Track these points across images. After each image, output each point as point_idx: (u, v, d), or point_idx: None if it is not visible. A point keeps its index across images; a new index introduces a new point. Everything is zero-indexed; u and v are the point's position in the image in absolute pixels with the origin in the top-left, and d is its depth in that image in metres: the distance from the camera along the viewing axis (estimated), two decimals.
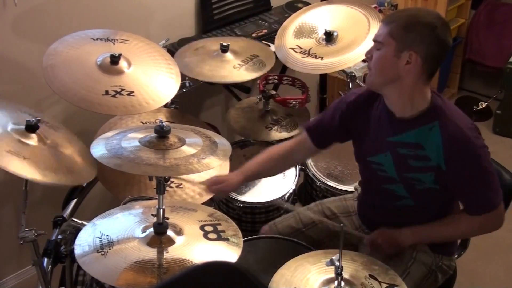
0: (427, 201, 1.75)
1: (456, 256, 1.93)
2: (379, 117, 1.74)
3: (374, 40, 1.66)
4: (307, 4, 3.01)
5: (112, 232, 1.59)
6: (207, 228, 1.63)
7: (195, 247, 1.56)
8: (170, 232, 1.59)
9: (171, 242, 1.56)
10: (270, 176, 2.16)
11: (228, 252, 1.56)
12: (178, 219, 1.66)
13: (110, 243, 1.54)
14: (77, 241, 1.56)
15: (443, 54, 1.62)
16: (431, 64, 1.61)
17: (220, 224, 1.66)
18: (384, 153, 1.72)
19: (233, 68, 2.35)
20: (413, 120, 1.66)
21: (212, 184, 1.87)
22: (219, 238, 1.60)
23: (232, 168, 2.21)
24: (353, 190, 2.22)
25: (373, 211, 1.89)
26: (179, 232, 1.60)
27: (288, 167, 2.27)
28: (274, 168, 2.00)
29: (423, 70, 1.60)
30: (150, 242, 1.56)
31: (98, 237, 1.56)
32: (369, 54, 1.68)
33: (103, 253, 1.50)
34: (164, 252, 1.53)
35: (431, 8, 1.78)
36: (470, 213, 1.69)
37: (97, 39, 2.13)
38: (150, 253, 1.52)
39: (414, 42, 1.58)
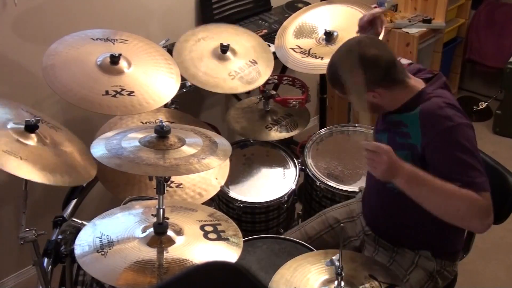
0: None
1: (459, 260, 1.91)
2: None
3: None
4: (307, 4, 3.01)
5: (112, 232, 1.59)
6: (207, 228, 1.63)
7: (195, 247, 1.56)
8: (170, 232, 1.58)
9: (171, 242, 1.56)
10: None
11: (228, 252, 1.56)
12: (178, 219, 1.66)
13: (110, 243, 1.54)
14: (77, 241, 1.56)
15: (387, 65, 1.65)
16: (390, 79, 1.66)
17: (220, 224, 1.66)
18: (385, 131, 1.77)
19: (228, 76, 2.31)
20: (401, 106, 1.71)
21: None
22: (219, 238, 1.60)
23: (232, 168, 2.21)
24: (353, 189, 2.23)
25: (373, 200, 1.89)
26: (179, 232, 1.60)
27: None
28: None
29: (390, 87, 1.67)
30: (150, 242, 1.55)
31: (98, 237, 1.56)
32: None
33: (103, 253, 1.50)
34: (164, 252, 1.53)
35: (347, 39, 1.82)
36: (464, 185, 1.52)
37: (96, 39, 2.13)
38: (150, 253, 1.52)
39: (362, 87, 1.65)
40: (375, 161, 1.55)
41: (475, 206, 1.50)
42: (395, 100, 1.70)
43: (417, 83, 1.71)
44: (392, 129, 1.73)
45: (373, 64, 1.63)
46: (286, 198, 2.27)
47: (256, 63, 2.40)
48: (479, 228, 1.55)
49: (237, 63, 2.37)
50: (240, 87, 2.31)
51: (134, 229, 1.61)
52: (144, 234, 1.58)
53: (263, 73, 2.39)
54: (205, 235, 1.61)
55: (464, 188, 1.50)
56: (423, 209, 1.73)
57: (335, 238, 1.98)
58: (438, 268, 1.81)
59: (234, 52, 2.40)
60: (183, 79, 2.23)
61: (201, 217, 1.69)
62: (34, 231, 1.69)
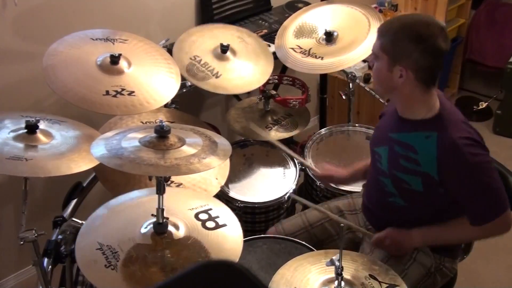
0: (418, 204, 1.74)
1: (459, 259, 1.92)
2: (391, 113, 1.80)
3: (372, 51, 1.70)
4: (307, 4, 3.01)
5: (111, 239, 1.57)
6: (202, 217, 1.63)
7: (196, 241, 1.56)
8: (170, 231, 1.58)
9: (174, 241, 1.56)
10: None
11: (229, 237, 1.57)
12: (172, 214, 1.64)
13: (115, 254, 1.52)
14: (78, 259, 1.52)
15: (436, 63, 1.62)
16: (425, 75, 1.62)
17: (211, 209, 1.67)
18: (384, 146, 1.76)
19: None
20: (413, 123, 1.69)
21: (324, 174, 2.14)
22: (217, 226, 1.61)
23: (232, 168, 2.21)
24: (353, 190, 2.23)
25: (374, 206, 1.90)
26: (178, 229, 1.60)
27: None
28: None
29: (417, 81, 1.63)
30: (153, 243, 1.55)
31: (99, 249, 1.53)
32: (371, 62, 1.72)
33: (112, 267, 1.48)
34: (168, 253, 1.53)
35: (426, 14, 1.76)
36: (472, 222, 1.68)
37: (96, 39, 2.13)
38: (152, 253, 1.52)
39: (402, 57, 1.61)
40: (387, 248, 1.78)
41: (469, 237, 1.84)
42: (410, 99, 1.67)
43: (436, 101, 1.68)
44: (396, 148, 1.71)
45: (431, 54, 1.58)
46: (286, 198, 2.26)
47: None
48: (499, 234, 1.70)
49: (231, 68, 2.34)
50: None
51: (133, 230, 1.60)
52: (145, 235, 1.58)
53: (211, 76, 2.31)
54: (203, 224, 1.61)
55: (464, 220, 1.70)
56: (424, 218, 1.75)
57: (336, 228, 1.98)
58: (437, 264, 1.81)
59: (233, 53, 2.40)
60: (183, 79, 2.23)
61: (192, 204, 1.69)
62: (34, 231, 1.68)
